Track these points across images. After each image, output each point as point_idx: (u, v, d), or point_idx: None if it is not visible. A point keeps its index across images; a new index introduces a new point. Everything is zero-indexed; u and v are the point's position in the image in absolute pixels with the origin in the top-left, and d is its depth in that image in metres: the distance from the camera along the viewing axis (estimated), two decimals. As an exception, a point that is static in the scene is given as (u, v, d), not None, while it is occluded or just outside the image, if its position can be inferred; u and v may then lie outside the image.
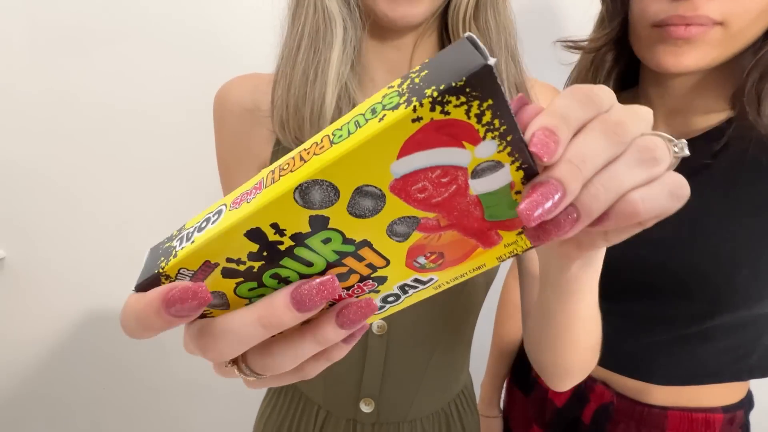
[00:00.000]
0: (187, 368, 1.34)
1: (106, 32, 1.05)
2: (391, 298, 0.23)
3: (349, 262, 0.20)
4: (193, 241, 0.19)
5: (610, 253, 0.56)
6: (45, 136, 1.15)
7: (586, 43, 0.61)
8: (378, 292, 0.23)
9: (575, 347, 0.40)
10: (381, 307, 0.24)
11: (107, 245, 1.25)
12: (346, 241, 0.19)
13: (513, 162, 0.17)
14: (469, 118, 0.15)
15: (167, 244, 0.21)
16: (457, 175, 0.17)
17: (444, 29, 0.47)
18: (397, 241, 0.20)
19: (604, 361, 0.63)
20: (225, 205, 0.19)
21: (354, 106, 0.44)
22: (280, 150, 0.49)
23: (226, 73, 1.02)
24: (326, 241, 0.19)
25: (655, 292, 0.58)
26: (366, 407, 0.53)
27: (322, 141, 0.17)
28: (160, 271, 0.20)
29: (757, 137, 0.50)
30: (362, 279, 0.21)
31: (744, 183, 0.53)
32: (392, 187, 0.17)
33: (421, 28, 0.46)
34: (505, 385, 0.84)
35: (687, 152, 0.20)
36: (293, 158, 0.18)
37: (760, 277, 0.52)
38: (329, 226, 0.18)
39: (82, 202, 1.21)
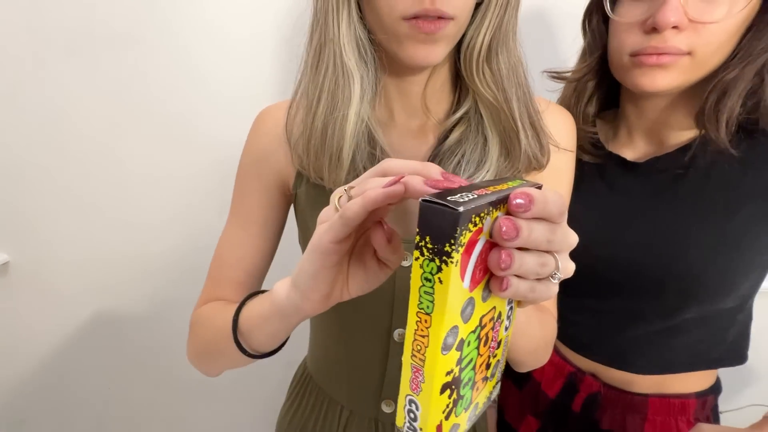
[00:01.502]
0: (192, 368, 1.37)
1: (112, 37, 1.06)
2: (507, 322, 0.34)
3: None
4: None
5: (597, 256, 0.63)
6: (50, 141, 1.16)
7: (569, 74, 0.68)
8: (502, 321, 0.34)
9: (520, 351, 0.50)
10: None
11: (111, 248, 1.27)
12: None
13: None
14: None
15: None
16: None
17: (454, 61, 0.50)
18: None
19: (592, 354, 0.71)
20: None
21: (371, 141, 0.48)
22: (304, 175, 0.53)
23: (230, 77, 1.06)
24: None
25: (635, 290, 0.64)
26: (387, 408, 0.58)
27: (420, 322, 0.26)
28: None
29: (720, 151, 0.56)
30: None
31: (711, 192, 0.59)
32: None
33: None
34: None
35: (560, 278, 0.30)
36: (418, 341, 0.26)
37: (723, 276, 0.59)
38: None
39: (87, 205, 1.22)
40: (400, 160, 0.31)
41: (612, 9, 0.57)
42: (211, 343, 0.51)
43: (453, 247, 0.22)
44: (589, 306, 0.70)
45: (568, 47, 0.70)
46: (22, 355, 1.43)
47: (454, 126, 0.50)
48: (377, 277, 0.35)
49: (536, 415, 0.79)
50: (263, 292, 0.45)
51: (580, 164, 0.65)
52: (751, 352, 0.69)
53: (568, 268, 0.30)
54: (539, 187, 0.28)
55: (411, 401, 0.27)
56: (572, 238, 0.29)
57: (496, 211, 0.26)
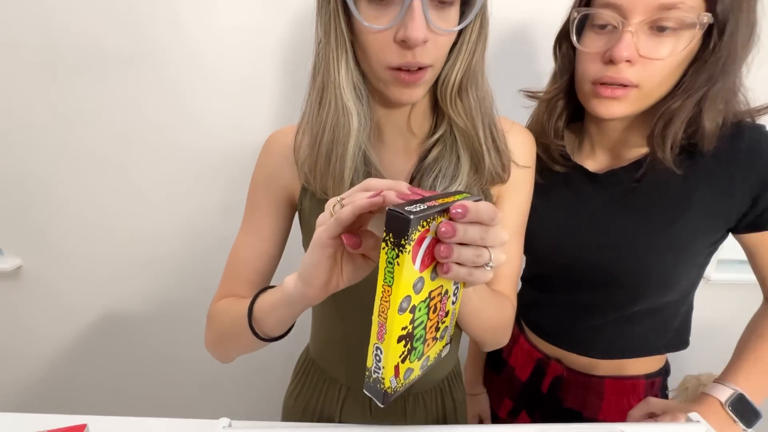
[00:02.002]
0: (198, 363, 1.44)
1: (119, 54, 1.12)
2: (453, 298, 0.45)
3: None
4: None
5: (563, 255, 0.73)
6: (61, 152, 1.23)
7: (542, 94, 0.76)
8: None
9: (474, 330, 0.61)
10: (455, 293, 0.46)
11: (118, 252, 1.34)
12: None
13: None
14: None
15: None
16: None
17: (434, 92, 0.59)
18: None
19: (558, 341, 0.81)
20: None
21: (367, 162, 0.58)
22: (308, 190, 0.62)
23: (233, 92, 1.14)
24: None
25: (594, 286, 0.74)
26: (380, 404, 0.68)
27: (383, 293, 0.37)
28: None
29: (666, 169, 0.64)
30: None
31: (657, 203, 0.67)
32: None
33: None
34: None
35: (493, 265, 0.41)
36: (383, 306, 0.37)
37: (667, 273, 0.68)
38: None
39: (95, 212, 1.29)
40: (379, 179, 0.41)
41: (578, 40, 0.65)
42: (228, 329, 0.60)
43: (406, 241, 0.33)
44: (556, 299, 0.80)
45: (546, 65, 0.78)
46: (32, 355, 1.49)
47: (432, 146, 0.60)
48: (363, 270, 0.45)
49: (511, 397, 0.89)
50: (273, 287, 0.54)
51: (551, 173, 0.75)
52: (696, 339, 0.80)
53: (500, 259, 0.40)
54: (479, 200, 0.39)
55: (377, 348, 0.38)
56: (503, 236, 0.40)
57: (441, 217, 0.37)
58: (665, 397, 0.81)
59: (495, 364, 0.94)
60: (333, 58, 0.52)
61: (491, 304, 0.60)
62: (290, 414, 0.77)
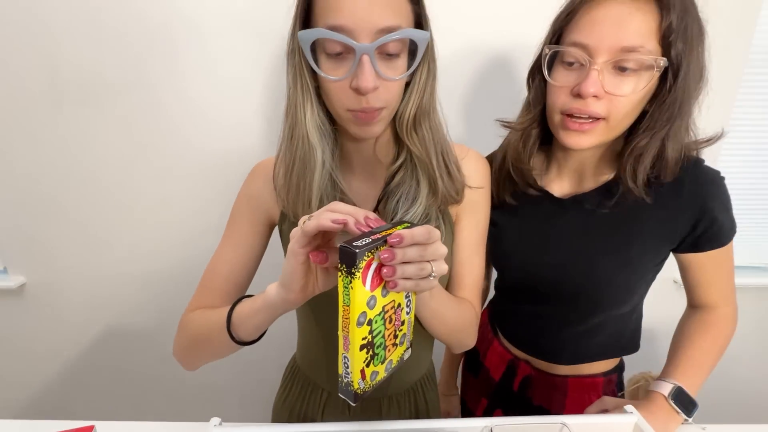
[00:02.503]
0: (196, 374, 1.51)
1: (121, 83, 1.20)
2: (407, 309, 0.53)
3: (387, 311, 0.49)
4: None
5: (530, 272, 0.81)
6: (65, 176, 1.30)
7: (516, 123, 0.80)
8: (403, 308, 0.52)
9: (438, 332, 0.69)
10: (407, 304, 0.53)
11: (118, 269, 1.41)
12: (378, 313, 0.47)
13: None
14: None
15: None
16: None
17: (394, 125, 0.66)
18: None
19: (528, 349, 0.88)
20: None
21: (336, 187, 0.65)
22: (287, 216, 0.69)
23: (227, 118, 1.23)
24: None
25: (558, 300, 0.80)
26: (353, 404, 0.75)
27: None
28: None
29: (624, 196, 0.70)
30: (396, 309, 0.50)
31: (615, 228, 0.73)
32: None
33: None
34: (460, 372, 1.07)
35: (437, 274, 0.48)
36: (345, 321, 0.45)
37: (621, 290, 0.76)
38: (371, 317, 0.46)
39: (95, 231, 1.36)
40: (343, 204, 0.48)
41: (549, 74, 0.70)
42: (201, 335, 0.65)
43: (356, 269, 0.42)
44: (524, 310, 0.87)
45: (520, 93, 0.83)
46: (37, 368, 1.56)
47: (396, 172, 0.67)
48: (335, 277, 0.51)
49: (487, 397, 0.96)
50: (251, 296, 0.61)
51: (524, 196, 0.80)
52: (646, 343, 0.86)
53: (442, 269, 0.48)
54: (414, 225, 0.47)
55: (345, 357, 0.46)
56: (441, 250, 0.48)
57: (383, 246, 0.45)
58: (621, 388, 0.88)
59: (473, 366, 1.01)
60: (300, 102, 0.60)
61: (450, 307, 0.67)
62: (278, 417, 0.84)
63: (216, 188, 1.30)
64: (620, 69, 0.63)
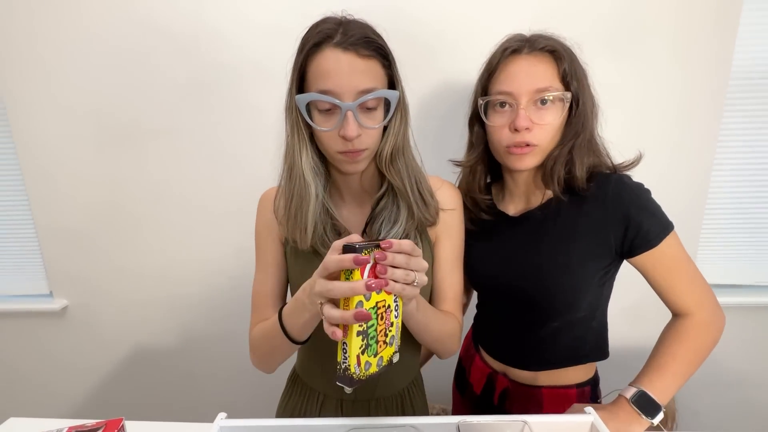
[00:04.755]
0: (214, 387, 1.64)
1: (155, 127, 1.38)
2: (395, 312, 0.61)
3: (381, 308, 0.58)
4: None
5: (497, 284, 0.94)
6: (103, 211, 1.48)
7: (463, 162, 0.96)
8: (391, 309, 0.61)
9: (426, 341, 0.79)
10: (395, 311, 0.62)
11: (148, 294, 1.56)
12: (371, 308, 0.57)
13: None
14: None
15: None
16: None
17: (376, 162, 0.78)
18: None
19: (503, 357, 0.96)
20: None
21: (327, 213, 0.78)
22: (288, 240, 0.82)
23: (250, 161, 1.40)
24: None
25: (519, 306, 0.90)
26: (348, 390, 0.85)
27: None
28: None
29: (560, 206, 0.84)
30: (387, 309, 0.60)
31: (556, 236, 0.84)
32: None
33: None
34: (452, 391, 1.14)
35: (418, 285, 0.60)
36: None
37: (568, 293, 0.84)
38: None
39: (129, 261, 1.53)
40: (339, 241, 0.59)
41: (486, 117, 0.85)
42: (266, 344, 0.78)
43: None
44: (497, 321, 0.96)
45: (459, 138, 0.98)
46: (75, 380, 1.70)
47: (380, 200, 0.80)
48: None
49: (472, 411, 1.03)
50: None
51: (481, 221, 0.93)
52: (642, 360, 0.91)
53: (423, 280, 0.60)
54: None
55: (344, 344, 0.55)
56: (424, 264, 0.59)
57: (377, 249, 0.56)
58: (596, 402, 0.93)
59: (460, 384, 1.08)
60: (297, 149, 0.74)
61: (435, 319, 0.78)
62: (280, 417, 0.94)
63: (234, 222, 1.45)
64: (540, 105, 0.79)
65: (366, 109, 0.70)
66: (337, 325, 0.55)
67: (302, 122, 0.73)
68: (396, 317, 0.62)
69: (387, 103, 0.73)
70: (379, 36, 0.72)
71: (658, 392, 0.77)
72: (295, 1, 1.27)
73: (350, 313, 0.53)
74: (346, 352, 0.56)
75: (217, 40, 1.31)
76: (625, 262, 0.86)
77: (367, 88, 0.68)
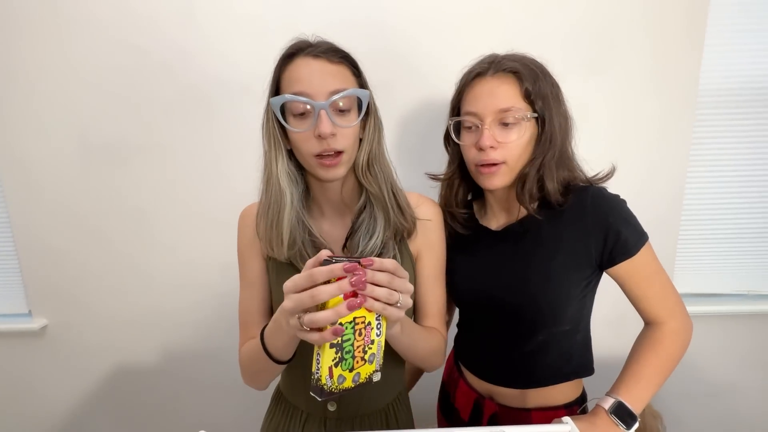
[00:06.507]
0: (197, 409, 1.60)
1: (141, 145, 1.38)
2: (377, 331, 0.60)
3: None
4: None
5: (480, 298, 0.94)
6: (89, 231, 1.46)
7: (442, 176, 0.98)
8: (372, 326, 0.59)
9: (412, 360, 0.80)
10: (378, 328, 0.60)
11: (129, 313, 1.53)
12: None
13: None
14: None
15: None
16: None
17: (355, 173, 0.79)
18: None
19: (487, 376, 0.94)
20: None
21: (304, 226, 0.78)
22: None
23: (235, 177, 1.39)
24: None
25: (504, 319, 0.88)
26: (331, 407, 0.84)
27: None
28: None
29: (538, 220, 0.84)
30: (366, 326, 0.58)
31: (537, 248, 0.85)
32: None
33: None
34: (437, 417, 1.11)
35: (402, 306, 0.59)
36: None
37: (551, 304, 0.84)
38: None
39: (110, 279, 1.51)
40: (311, 260, 0.57)
41: (457, 137, 0.88)
42: (252, 363, 0.78)
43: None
44: (480, 337, 0.95)
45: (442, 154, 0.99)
46: (54, 403, 1.65)
47: (361, 212, 0.80)
48: None
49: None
50: None
51: (461, 235, 0.94)
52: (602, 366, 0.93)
53: (408, 302, 0.58)
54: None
55: (318, 354, 0.55)
56: (409, 287, 0.58)
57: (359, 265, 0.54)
58: None
59: (446, 411, 1.06)
60: (273, 158, 0.76)
61: (420, 338, 0.78)
62: (265, 435, 0.93)
63: (219, 239, 1.44)
64: (504, 124, 0.81)
65: (339, 111, 0.72)
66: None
67: (279, 132, 0.75)
68: (378, 335, 0.61)
69: (359, 105, 0.75)
70: (347, 51, 0.76)
71: (634, 400, 0.78)
72: (279, 20, 1.30)
73: (324, 320, 0.53)
74: (318, 363, 0.55)
75: (201, 57, 1.33)
76: (604, 276, 0.86)
77: (338, 88, 0.71)
